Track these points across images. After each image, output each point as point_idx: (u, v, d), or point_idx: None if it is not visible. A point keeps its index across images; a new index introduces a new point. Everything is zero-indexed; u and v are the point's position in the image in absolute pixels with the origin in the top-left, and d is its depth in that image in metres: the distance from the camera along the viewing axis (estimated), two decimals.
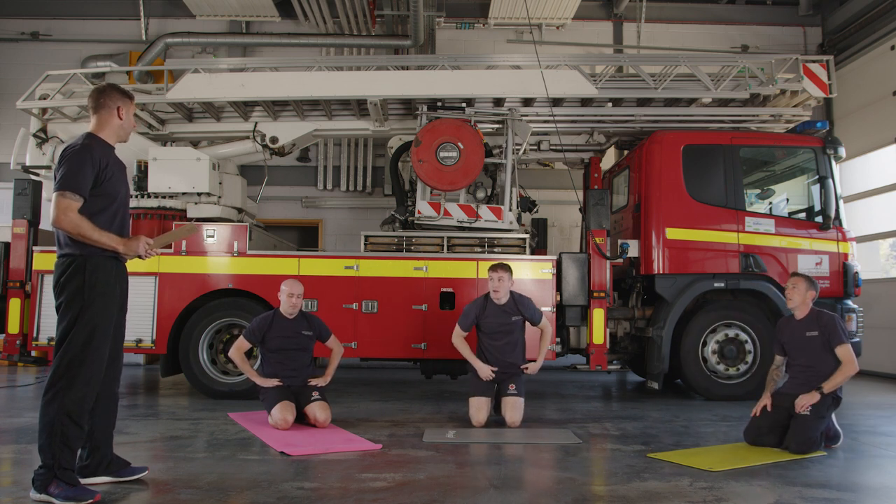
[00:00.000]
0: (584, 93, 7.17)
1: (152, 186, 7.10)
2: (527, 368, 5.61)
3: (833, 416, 4.70)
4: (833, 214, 6.91)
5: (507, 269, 5.60)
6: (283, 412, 5.10)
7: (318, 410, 5.20)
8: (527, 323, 5.69)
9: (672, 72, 7.16)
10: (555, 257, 6.99)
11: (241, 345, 5.48)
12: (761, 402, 4.79)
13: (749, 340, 6.88)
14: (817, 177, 7.05)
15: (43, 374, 8.44)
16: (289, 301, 5.44)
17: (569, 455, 4.46)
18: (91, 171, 3.36)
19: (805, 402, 4.51)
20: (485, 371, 5.44)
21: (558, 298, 6.87)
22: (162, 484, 3.63)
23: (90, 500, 3.22)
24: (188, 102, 7.41)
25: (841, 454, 4.57)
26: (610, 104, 7.47)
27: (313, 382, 5.44)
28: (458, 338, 5.60)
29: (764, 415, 4.74)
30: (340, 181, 11.24)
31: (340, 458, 4.26)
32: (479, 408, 5.36)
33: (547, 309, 6.78)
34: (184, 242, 6.80)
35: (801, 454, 4.41)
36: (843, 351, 4.59)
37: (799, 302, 4.80)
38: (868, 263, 9.93)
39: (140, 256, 3.54)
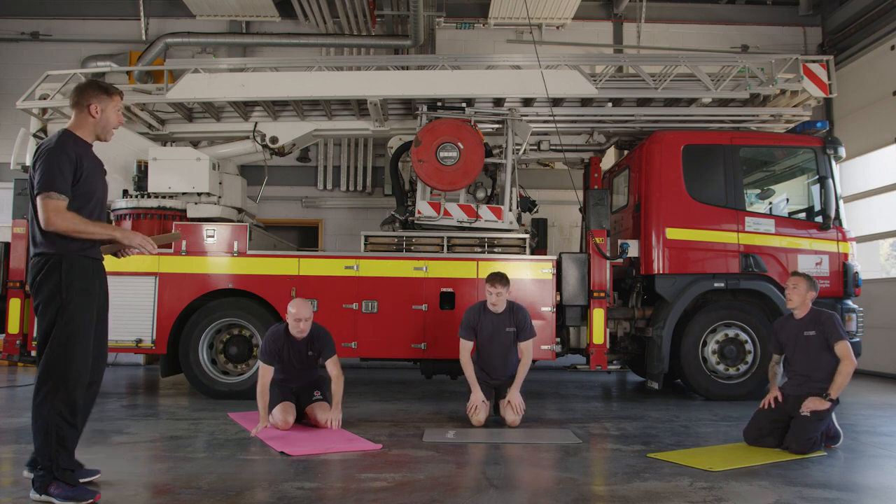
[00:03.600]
0: (584, 93, 7.17)
1: (152, 186, 7.10)
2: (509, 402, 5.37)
3: (833, 416, 4.70)
4: (833, 214, 6.91)
5: (506, 282, 5.46)
6: (283, 414, 5.10)
7: (318, 411, 5.19)
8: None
9: (672, 72, 7.16)
10: (555, 257, 6.99)
11: (265, 374, 5.07)
12: (771, 395, 4.80)
13: (749, 340, 6.88)
14: (817, 177, 7.05)
15: None
16: (296, 326, 5.13)
17: (569, 455, 4.46)
18: (69, 169, 3.29)
19: (813, 408, 4.50)
20: (477, 397, 5.30)
21: (558, 298, 6.87)
22: (162, 484, 3.63)
23: (90, 500, 3.22)
24: (188, 102, 7.41)
25: (841, 454, 4.57)
26: (610, 104, 7.47)
27: (326, 420, 5.10)
28: (465, 354, 5.48)
29: (764, 415, 4.74)
30: (340, 181, 11.23)
31: (340, 458, 4.26)
32: (477, 409, 5.36)
33: (547, 309, 6.79)
34: (184, 242, 6.80)
35: (802, 454, 4.41)
36: (842, 347, 4.57)
37: (799, 302, 4.79)
38: (868, 263, 9.93)
39: (120, 251, 3.47)
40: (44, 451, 3.24)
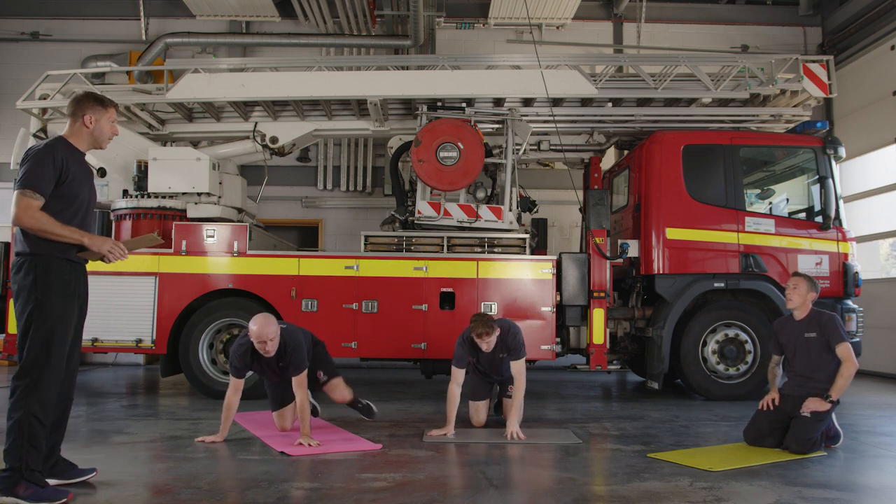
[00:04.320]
0: (584, 93, 7.17)
1: (152, 186, 7.10)
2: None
3: (833, 416, 4.69)
4: (833, 214, 6.91)
5: (492, 329, 4.95)
6: (281, 420, 5.08)
7: (334, 392, 5.11)
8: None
9: (672, 72, 7.16)
10: (555, 257, 7.00)
11: (233, 386, 4.83)
12: (769, 396, 4.79)
13: (749, 340, 6.88)
14: (817, 177, 7.05)
15: None
16: (261, 347, 4.65)
17: (569, 455, 4.46)
18: (53, 172, 3.32)
19: (813, 408, 4.50)
20: (447, 430, 4.95)
21: (558, 298, 6.88)
22: (162, 484, 3.63)
23: (62, 500, 3.20)
24: (188, 102, 7.42)
25: (841, 454, 4.57)
26: (610, 104, 7.47)
27: (301, 442, 4.56)
28: (455, 385, 5.05)
29: (764, 415, 4.74)
30: (340, 181, 11.24)
31: (340, 458, 4.26)
32: (477, 409, 5.36)
33: (547, 309, 6.79)
34: (183, 242, 6.81)
35: (802, 454, 4.41)
36: (843, 349, 4.56)
37: (799, 303, 4.78)
38: (868, 263, 9.93)
39: (104, 257, 3.44)
40: (14, 451, 3.21)
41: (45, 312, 3.31)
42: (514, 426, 4.95)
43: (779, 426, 4.64)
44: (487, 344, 5.03)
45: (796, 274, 4.91)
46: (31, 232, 3.31)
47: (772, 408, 4.75)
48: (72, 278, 3.45)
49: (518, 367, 5.08)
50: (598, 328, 6.81)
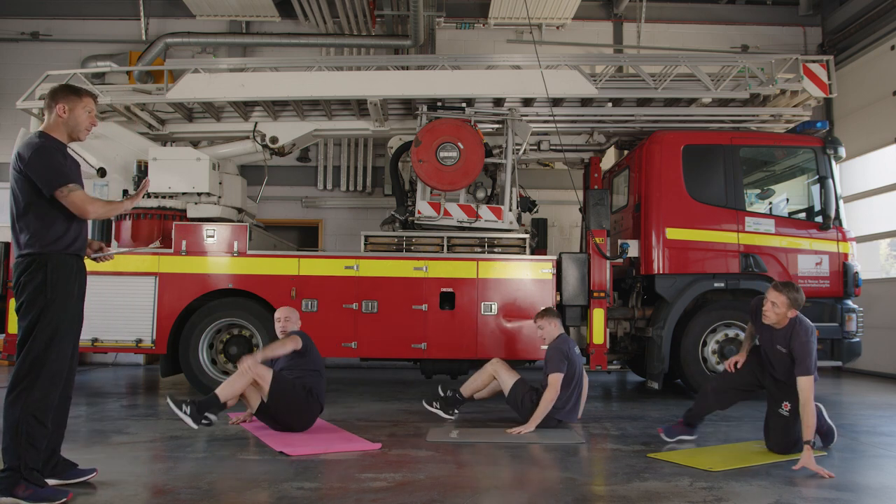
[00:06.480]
0: (584, 93, 7.17)
1: (152, 186, 7.09)
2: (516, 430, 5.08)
3: (824, 413, 4.63)
4: (833, 214, 6.91)
5: (542, 316, 5.48)
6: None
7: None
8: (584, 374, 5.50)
9: (672, 72, 7.17)
10: (555, 257, 7.00)
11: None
12: (735, 358, 4.71)
13: None
14: (817, 177, 7.06)
15: None
16: (279, 324, 5.33)
17: (569, 455, 4.46)
18: (63, 161, 3.37)
19: (803, 464, 4.04)
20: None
21: (558, 298, 6.88)
22: (162, 484, 3.63)
23: (62, 500, 3.19)
24: (188, 102, 7.42)
25: (841, 454, 4.56)
26: (610, 104, 7.48)
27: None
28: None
29: (734, 377, 4.66)
30: (340, 181, 11.23)
31: (340, 458, 4.26)
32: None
33: None
34: (183, 242, 6.81)
35: (783, 455, 4.34)
36: (803, 383, 4.13)
37: (775, 320, 4.34)
38: (868, 263, 9.93)
39: (97, 259, 3.76)
40: (12, 450, 3.20)
41: (52, 311, 3.31)
42: (519, 428, 5.06)
43: (749, 391, 4.60)
44: (539, 329, 5.52)
45: (777, 288, 4.34)
46: (100, 218, 3.40)
47: (732, 370, 4.65)
48: (77, 277, 3.47)
49: (549, 380, 5.18)
50: (598, 328, 6.81)
